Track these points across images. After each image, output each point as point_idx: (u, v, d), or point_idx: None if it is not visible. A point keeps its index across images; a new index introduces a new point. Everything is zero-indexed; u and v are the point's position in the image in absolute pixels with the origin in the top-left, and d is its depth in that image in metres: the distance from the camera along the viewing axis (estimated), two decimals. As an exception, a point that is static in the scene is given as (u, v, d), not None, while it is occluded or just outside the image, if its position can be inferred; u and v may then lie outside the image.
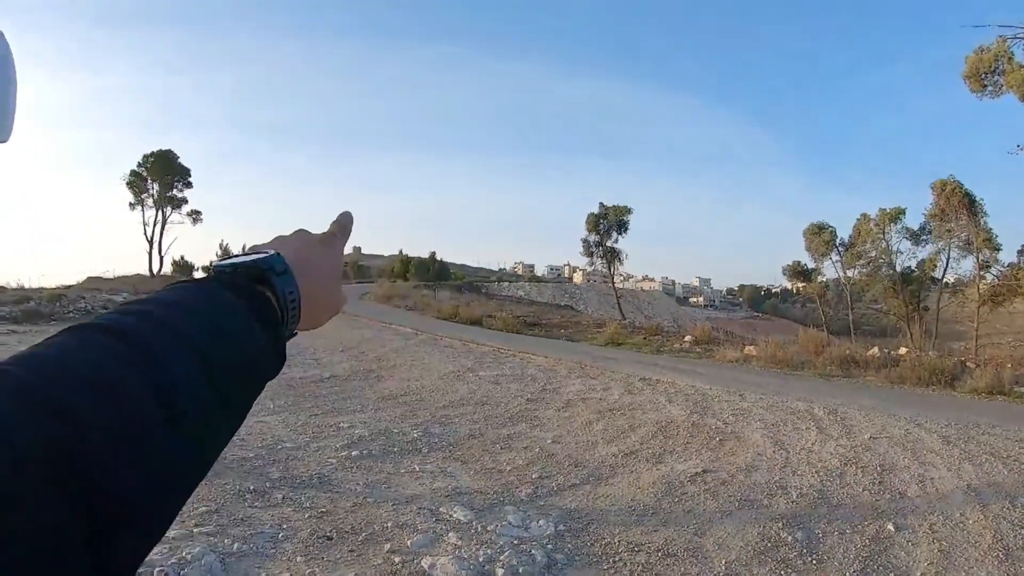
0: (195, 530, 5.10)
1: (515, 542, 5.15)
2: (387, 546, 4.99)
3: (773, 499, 6.12)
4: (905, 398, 11.25)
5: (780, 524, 5.53)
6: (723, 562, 4.89)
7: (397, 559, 4.77)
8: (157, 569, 4.42)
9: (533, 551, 4.98)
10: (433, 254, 72.59)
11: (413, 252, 76.15)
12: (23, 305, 19.17)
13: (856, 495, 6.23)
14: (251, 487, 6.13)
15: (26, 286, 23.55)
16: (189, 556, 4.60)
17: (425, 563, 4.70)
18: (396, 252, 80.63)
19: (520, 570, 4.67)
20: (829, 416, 8.96)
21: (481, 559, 4.81)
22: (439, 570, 4.60)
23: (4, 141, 3.38)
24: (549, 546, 5.12)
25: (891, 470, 6.89)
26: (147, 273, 42.86)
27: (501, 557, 4.82)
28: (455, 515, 5.68)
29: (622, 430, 8.55)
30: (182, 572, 4.42)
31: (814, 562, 4.91)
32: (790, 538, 5.28)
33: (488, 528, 5.42)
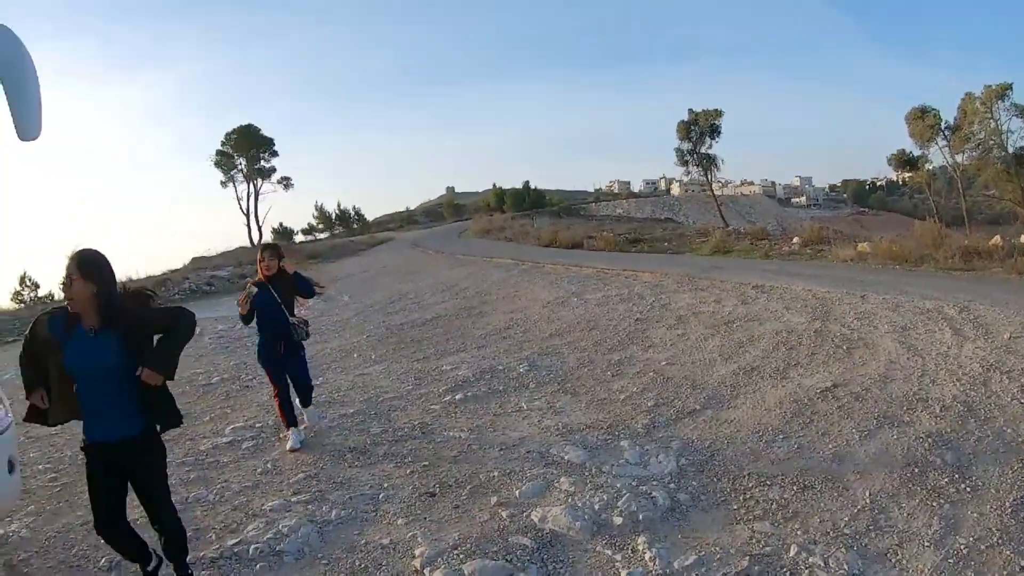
0: (292, 499, 4.83)
1: (633, 483, 4.61)
2: (494, 499, 4.57)
3: (915, 414, 5.30)
4: (1039, 290, 9.89)
5: (926, 444, 4.73)
6: (867, 494, 4.19)
7: (504, 513, 4.33)
8: (252, 547, 4.16)
9: (654, 492, 4.43)
10: (527, 183, 71.31)
11: (507, 184, 75.26)
12: None
13: (1005, 405, 5.30)
14: (352, 445, 5.85)
15: (132, 277, 24.35)
16: (285, 529, 4.33)
17: (535, 516, 4.24)
18: (489, 187, 79.90)
19: (640, 516, 4.14)
20: (961, 314, 7.88)
21: (597, 506, 4.30)
22: (551, 522, 4.13)
23: (35, 139, 2.72)
24: (672, 485, 4.56)
25: (1041, 374, 5.92)
26: (248, 244, 44.01)
27: (619, 503, 4.30)
28: (567, 456, 5.19)
29: (740, 344, 7.81)
30: (278, 547, 4.13)
31: (968, 490, 4.14)
32: (939, 461, 4.49)
33: (603, 469, 4.90)
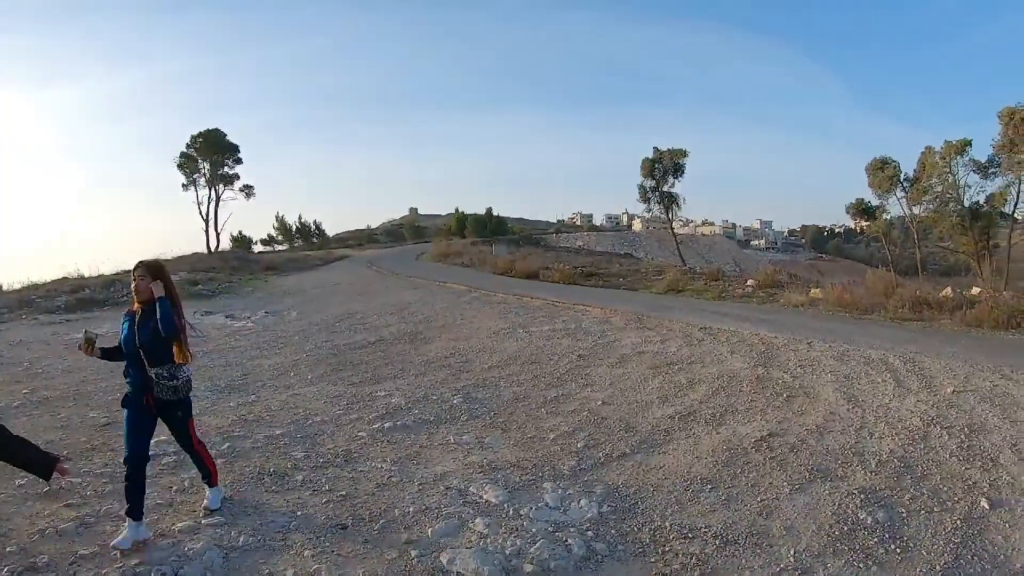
0: (203, 521, 4.73)
1: (550, 528, 4.61)
2: (405, 535, 4.53)
3: (849, 468, 5.42)
4: (986, 344, 10.18)
5: (858, 501, 4.83)
6: (791, 552, 4.25)
7: (413, 552, 4.29)
8: (155, 568, 4.06)
9: (569, 540, 4.43)
10: (490, 210, 71.47)
11: (470, 209, 75.36)
12: (77, 294, 19.31)
13: (942, 462, 5.47)
14: (272, 469, 5.75)
15: (85, 275, 23.73)
16: (190, 552, 4.24)
17: (444, 557, 4.21)
18: (453, 210, 79.96)
19: (552, 565, 4.13)
20: (906, 366, 8.12)
21: (508, 551, 4.29)
22: (458, 565, 4.10)
23: None
24: (589, 532, 4.56)
25: (980, 431, 6.09)
26: (204, 251, 43.29)
27: (531, 549, 4.29)
28: (485, 496, 5.18)
29: (680, 387, 7.91)
30: (180, 570, 4.05)
31: (898, 551, 4.22)
32: (870, 519, 4.59)
33: (521, 512, 4.89)
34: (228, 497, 5.15)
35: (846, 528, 4.51)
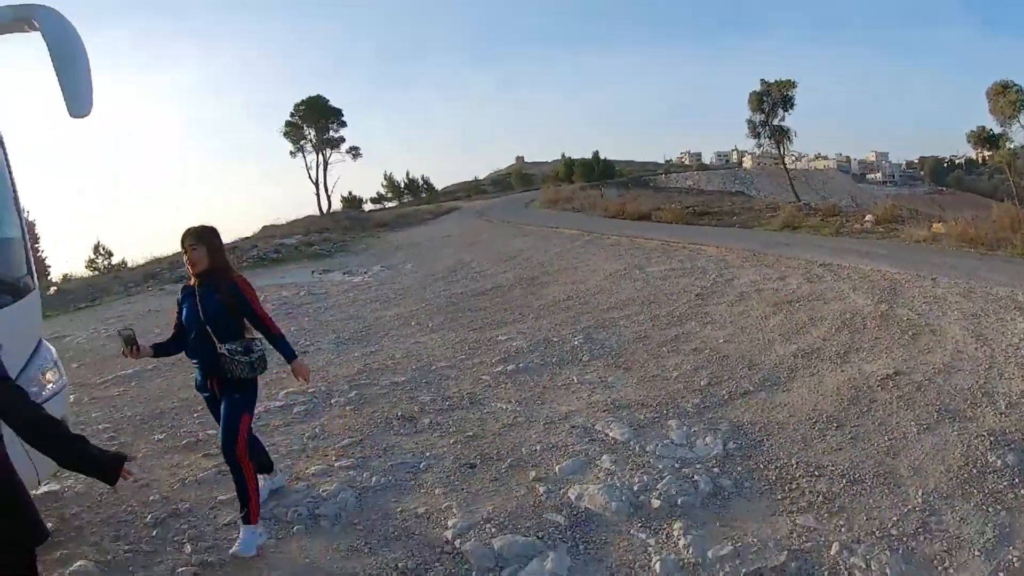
0: (336, 464, 4.90)
1: (676, 465, 4.51)
2: (532, 473, 4.53)
3: (977, 409, 4.99)
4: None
5: (987, 443, 4.44)
6: (919, 493, 3.97)
7: (541, 489, 4.29)
8: (292, 509, 4.23)
9: (696, 476, 4.31)
10: (596, 154, 70.16)
11: (576, 155, 74.23)
12: (180, 270, 20.45)
13: None
14: (399, 413, 5.88)
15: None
16: (325, 494, 4.39)
17: (572, 493, 4.19)
18: (559, 157, 79.09)
19: (679, 500, 4.04)
20: None
21: (636, 487, 4.22)
22: (586, 501, 4.08)
23: (85, 115, 2.72)
24: (715, 469, 4.43)
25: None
26: (316, 213, 44.72)
27: (659, 485, 4.20)
28: (611, 433, 5.11)
29: (801, 325, 7.54)
30: (316, 511, 4.20)
31: None
32: (999, 462, 4.20)
33: (647, 448, 4.80)
34: (359, 441, 5.31)
35: (975, 471, 4.16)
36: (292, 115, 53.17)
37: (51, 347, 4.45)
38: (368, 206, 60.10)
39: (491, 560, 3.60)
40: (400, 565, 3.61)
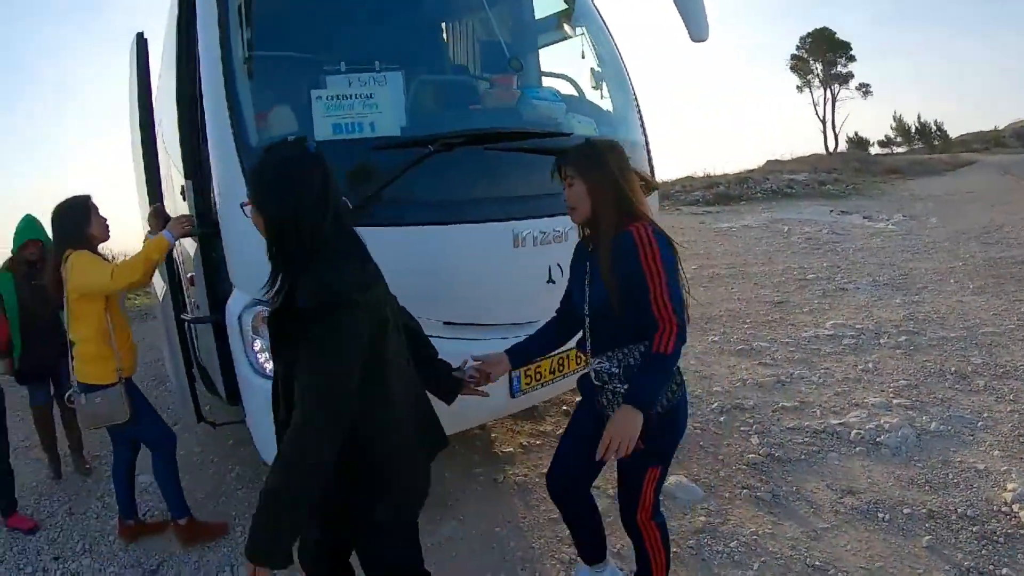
0: (893, 400, 5.22)
1: None
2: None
3: None
4: None
5: None
6: None
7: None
8: (853, 431, 4.71)
9: None
10: None
11: None
12: (713, 190, 21.64)
13: None
14: (952, 368, 5.93)
15: (711, 174, 26.42)
16: (886, 425, 4.77)
17: None
18: None
19: None
20: None
21: None
22: None
23: (704, 40, 4.03)
24: None
25: None
26: (822, 152, 43.05)
27: None
28: None
29: None
30: (877, 439, 4.61)
31: None
32: None
33: None
34: (915, 385, 5.54)
35: None
36: (798, 48, 51.63)
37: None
38: (874, 149, 56.09)
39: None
40: (959, 511, 3.79)
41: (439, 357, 2.48)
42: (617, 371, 2.40)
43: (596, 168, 2.38)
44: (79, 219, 3.62)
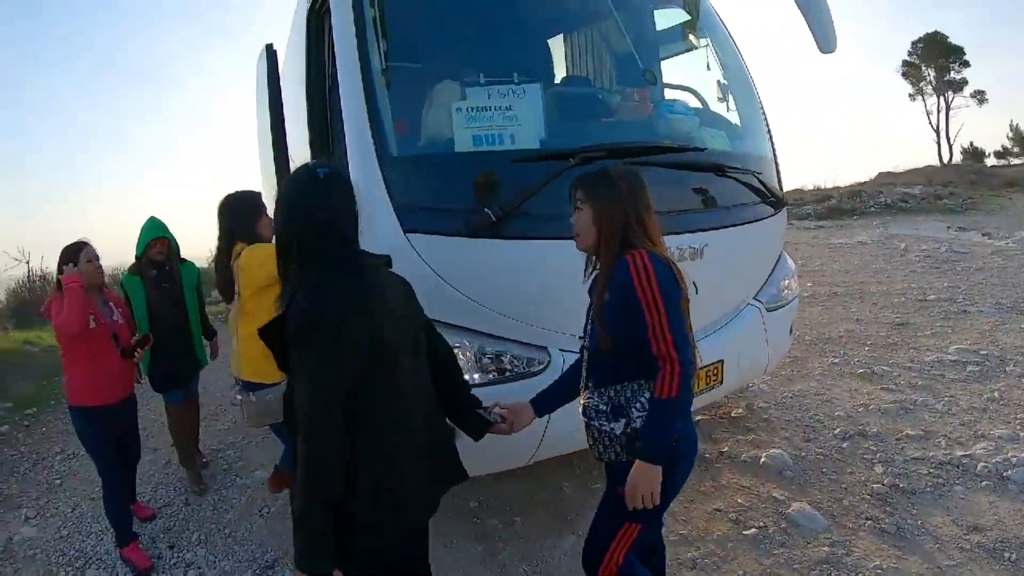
0: (1020, 434, 4.96)
1: None
2: None
3: None
4: None
5: None
6: None
7: None
8: (980, 464, 4.49)
9: None
10: None
11: None
12: (824, 203, 20.94)
13: None
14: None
15: (822, 186, 25.61)
16: (1014, 459, 4.53)
17: None
18: None
19: None
20: None
21: None
22: None
23: (832, 51, 3.96)
24: None
25: None
26: (936, 163, 41.03)
27: None
28: None
29: None
30: (1004, 473, 4.38)
31: None
32: None
33: None
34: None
35: None
36: (910, 53, 49.37)
37: (790, 259, 4.98)
38: (991, 160, 53.25)
39: None
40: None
41: (470, 392, 2.47)
42: (605, 408, 2.32)
43: (605, 196, 2.31)
44: (251, 212, 3.69)
